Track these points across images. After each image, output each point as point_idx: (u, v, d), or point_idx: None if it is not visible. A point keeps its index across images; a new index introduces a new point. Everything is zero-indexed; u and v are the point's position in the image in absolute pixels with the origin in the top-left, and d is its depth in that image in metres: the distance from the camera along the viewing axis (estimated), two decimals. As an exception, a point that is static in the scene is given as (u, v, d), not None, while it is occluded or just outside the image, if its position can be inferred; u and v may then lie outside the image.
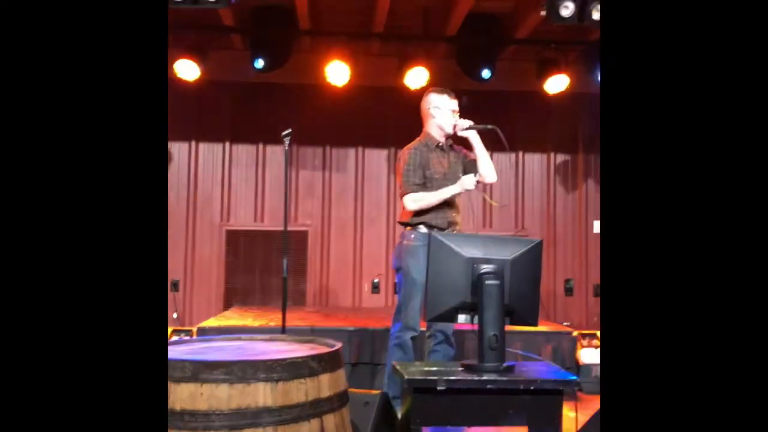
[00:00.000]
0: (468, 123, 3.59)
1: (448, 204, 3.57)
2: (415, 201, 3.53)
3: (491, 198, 6.02)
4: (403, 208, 3.65)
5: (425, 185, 3.56)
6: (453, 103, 3.64)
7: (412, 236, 3.55)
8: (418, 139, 3.70)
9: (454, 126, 3.61)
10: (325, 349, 2.15)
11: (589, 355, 4.74)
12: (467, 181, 3.52)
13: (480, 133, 3.59)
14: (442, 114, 3.63)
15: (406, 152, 3.63)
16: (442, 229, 3.51)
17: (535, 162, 6.76)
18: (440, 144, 3.67)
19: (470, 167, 3.65)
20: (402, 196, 3.58)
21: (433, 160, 3.60)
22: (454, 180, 3.59)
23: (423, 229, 3.53)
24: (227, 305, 6.27)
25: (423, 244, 3.44)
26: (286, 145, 3.83)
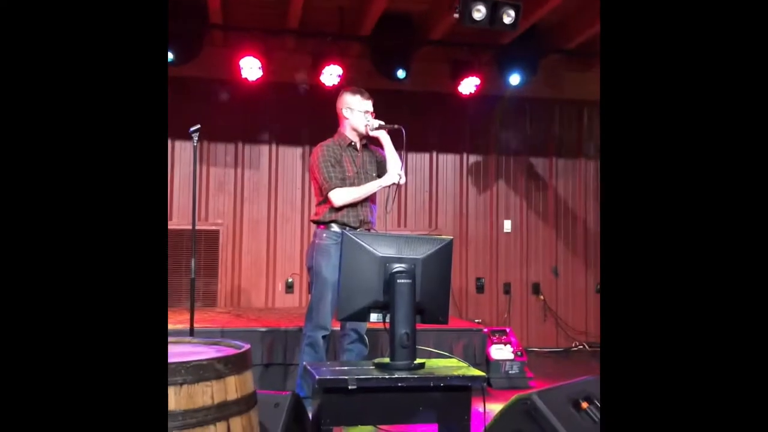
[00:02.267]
0: (378, 123, 3.62)
1: (360, 203, 3.58)
2: (344, 196, 3.51)
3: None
4: (317, 205, 3.63)
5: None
6: (366, 104, 3.65)
7: (324, 235, 3.54)
8: (331, 138, 3.69)
9: (366, 126, 3.62)
10: (232, 351, 2.09)
11: (499, 352, 4.87)
12: (394, 175, 3.56)
13: (390, 133, 3.63)
14: (355, 115, 3.64)
15: (318, 150, 3.62)
16: (353, 228, 3.52)
17: (448, 162, 6.87)
18: (352, 143, 3.67)
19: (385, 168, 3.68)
20: (327, 192, 3.53)
21: (345, 159, 3.61)
22: (366, 180, 3.61)
23: (335, 227, 3.52)
24: (133, 307, 6.02)
25: (335, 243, 3.43)
26: (195, 141, 3.72)
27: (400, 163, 3.63)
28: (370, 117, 3.64)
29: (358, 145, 3.69)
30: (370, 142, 3.76)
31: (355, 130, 3.65)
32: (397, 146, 3.60)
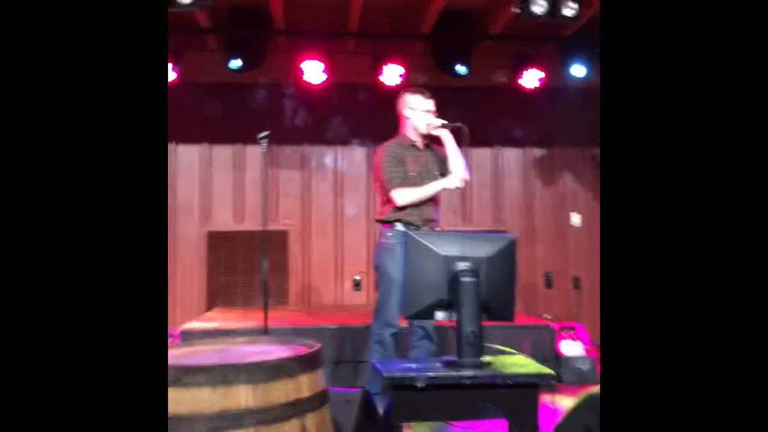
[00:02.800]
0: (440, 122, 3.65)
1: (424, 201, 3.62)
2: (406, 196, 3.57)
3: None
4: (381, 205, 3.70)
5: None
6: (427, 103, 3.67)
7: (389, 234, 3.60)
8: (393, 139, 3.75)
9: (428, 125, 3.65)
10: (304, 350, 2.18)
11: (569, 347, 4.82)
12: (457, 179, 3.58)
13: (452, 131, 3.65)
14: (416, 115, 3.67)
15: (381, 151, 3.68)
16: (417, 227, 3.56)
17: (512, 157, 6.82)
18: (414, 143, 3.71)
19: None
20: (389, 192, 3.60)
21: (407, 160, 3.65)
22: (429, 179, 3.65)
23: (399, 226, 3.57)
24: (210, 306, 6.27)
25: (399, 242, 3.49)
26: (264, 147, 3.84)
27: (463, 162, 3.66)
28: (431, 116, 3.67)
29: (420, 145, 3.73)
30: (432, 142, 3.79)
31: (416, 129, 3.68)
32: (459, 144, 3.63)
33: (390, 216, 3.62)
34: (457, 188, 3.64)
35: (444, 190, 3.70)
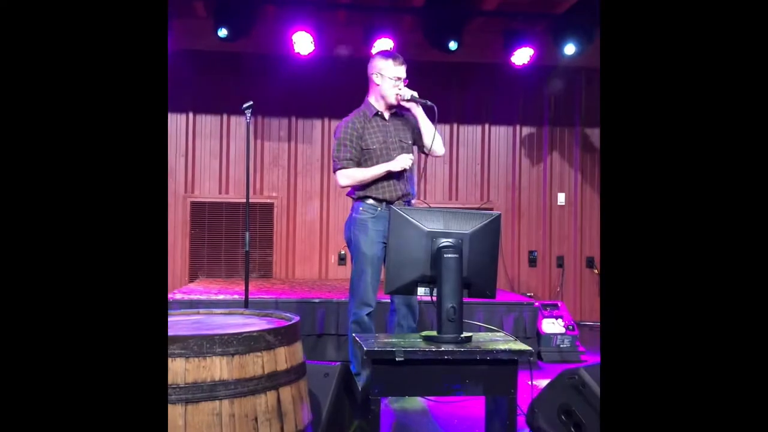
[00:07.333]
0: (410, 93, 3.45)
1: (395, 176, 3.49)
2: (347, 177, 3.46)
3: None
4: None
5: (362, 159, 3.49)
6: (399, 70, 3.47)
7: (361, 209, 3.50)
8: (356, 110, 3.58)
9: (397, 96, 3.47)
10: (282, 323, 2.16)
11: (551, 325, 4.84)
12: (403, 159, 3.43)
13: (423, 108, 3.51)
14: (386, 82, 3.49)
15: (341, 126, 3.54)
16: (391, 202, 3.46)
17: (501, 134, 6.78)
18: (379, 113, 3.55)
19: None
20: (334, 171, 3.51)
21: (369, 131, 3.50)
22: (396, 149, 3.52)
23: (371, 201, 3.48)
24: (192, 277, 6.24)
25: (371, 217, 3.42)
26: (248, 118, 3.79)
27: (437, 137, 3.52)
28: (402, 85, 3.48)
29: (386, 115, 3.57)
30: (401, 110, 3.62)
31: (384, 98, 3.51)
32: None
33: (360, 193, 3.51)
34: (404, 169, 3.47)
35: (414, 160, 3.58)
